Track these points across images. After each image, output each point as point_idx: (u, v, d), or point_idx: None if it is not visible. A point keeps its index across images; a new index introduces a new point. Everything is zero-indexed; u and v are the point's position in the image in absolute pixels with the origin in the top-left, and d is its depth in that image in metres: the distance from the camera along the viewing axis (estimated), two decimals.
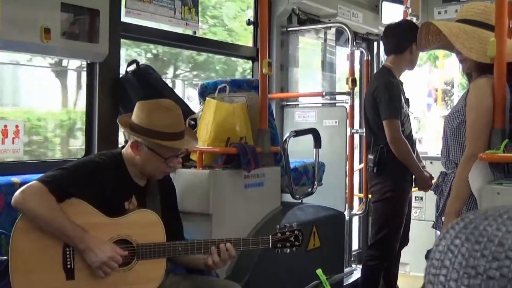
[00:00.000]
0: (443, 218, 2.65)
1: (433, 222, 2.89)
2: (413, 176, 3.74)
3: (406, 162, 3.60)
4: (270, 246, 2.48)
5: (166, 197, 2.59)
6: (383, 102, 3.61)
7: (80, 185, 2.27)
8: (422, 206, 5.20)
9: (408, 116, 3.73)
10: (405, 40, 3.66)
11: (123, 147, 2.52)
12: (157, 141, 2.34)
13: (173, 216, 2.60)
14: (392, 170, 3.66)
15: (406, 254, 4.14)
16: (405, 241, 3.91)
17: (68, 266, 2.23)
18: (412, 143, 3.75)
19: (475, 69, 2.64)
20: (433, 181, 3.52)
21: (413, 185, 3.83)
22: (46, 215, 2.16)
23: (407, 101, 3.78)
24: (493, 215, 0.47)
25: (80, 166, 2.36)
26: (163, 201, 2.54)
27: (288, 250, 2.50)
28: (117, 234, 2.30)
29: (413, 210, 5.12)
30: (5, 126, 2.69)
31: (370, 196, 4.05)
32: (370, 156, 3.82)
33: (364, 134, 4.25)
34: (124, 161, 2.44)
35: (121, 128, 2.46)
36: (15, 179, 2.53)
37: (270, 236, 2.48)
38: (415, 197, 5.10)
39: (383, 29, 5.17)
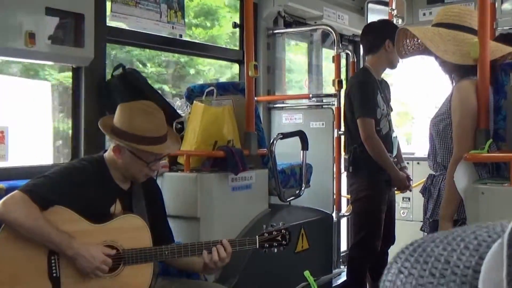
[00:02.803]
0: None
1: (421, 224, 2.91)
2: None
3: (380, 161, 3.60)
4: (258, 247, 2.48)
5: (152, 200, 2.58)
6: (356, 101, 3.63)
7: (62, 192, 2.25)
8: (410, 207, 5.23)
9: (386, 115, 3.74)
10: (378, 38, 3.69)
11: (105, 151, 2.51)
12: (138, 146, 2.33)
13: (160, 219, 2.60)
14: (367, 169, 3.67)
15: (392, 254, 4.16)
16: (390, 240, 3.92)
17: (54, 274, 2.21)
18: (390, 142, 3.76)
19: (454, 71, 2.67)
20: (414, 183, 3.53)
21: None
22: (30, 224, 2.14)
23: (386, 100, 3.79)
24: (439, 238, 0.51)
25: (60, 172, 2.34)
26: (148, 204, 2.53)
27: (276, 250, 2.50)
28: (102, 240, 2.28)
29: (400, 211, 5.14)
30: None
31: (349, 196, 4.06)
32: (345, 156, 3.83)
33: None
34: (106, 165, 2.43)
35: (103, 130, 2.43)
36: (1, 184, 2.51)
37: (257, 236, 2.48)
38: (403, 198, 5.13)
39: None
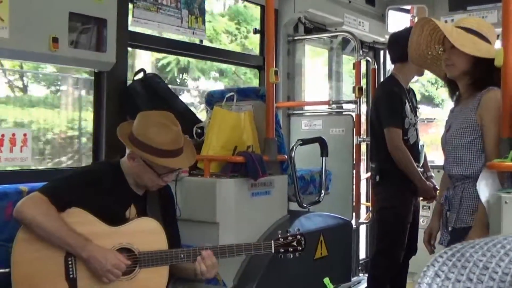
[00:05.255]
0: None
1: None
2: None
3: (406, 171, 3.58)
4: (273, 252, 2.48)
5: (166, 206, 2.60)
6: (383, 110, 3.61)
7: (79, 194, 2.28)
8: (430, 215, 5.17)
9: (414, 124, 3.71)
10: (407, 47, 3.66)
11: (121, 156, 2.53)
12: (151, 157, 2.34)
13: (171, 225, 2.61)
14: (394, 179, 3.64)
15: (413, 264, 4.11)
16: (412, 250, 3.89)
17: (71, 276, 2.23)
18: (417, 152, 3.73)
19: (464, 75, 2.64)
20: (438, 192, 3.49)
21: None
22: (47, 225, 2.16)
23: (414, 108, 3.76)
24: (479, 244, 0.52)
25: (78, 175, 2.40)
26: (162, 209, 2.55)
27: (291, 256, 2.50)
28: (118, 242, 2.30)
29: (420, 219, 5.09)
30: (13, 134, 2.71)
31: (369, 203, 4.04)
32: (372, 165, 3.81)
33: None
34: (122, 170, 2.45)
35: (119, 137, 2.44)
36: (23, 187, 2.53)
37: (273, 241, 2.49)
38: (423, 206, 5.08)
39: None
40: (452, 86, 2.80)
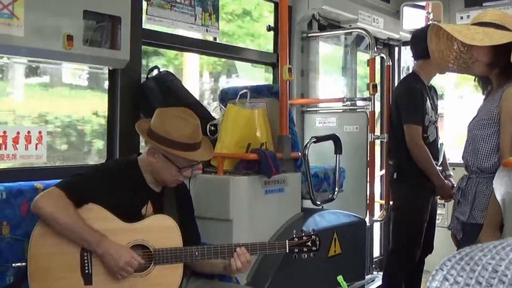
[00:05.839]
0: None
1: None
2: None
3: (425, 169, 3.55)
4: (287, 251, 2.48)
5: (183, 203, 2.60)
6: (404, 107, 3.58)
7: (96, 190, 2.30)
8: (445, 213, 5.14)
9: (434, 122, 3.68)
10: None
11: (139, 154, 2.55)
12: (172, 150, 2.35)
13: (190, 222, 2.61)
14: (412, 177, 3.62)
15: (429, 262, 4.09)
16: (428, 249, 3.86)
17: (86, 271, 2.25)
18: (437, 150, 3.70)
19: (490, 67, 2.59)
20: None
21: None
22: (64, 220, 2.18)
23: (434, 106, 3.73)
24: (488, 247, 0.52)
25: (95, 172, 2.42)
26: (179, 207, 2.55)
27: (306, 256, 2.49)
28: (133, 239, 2.31)
29: (435, 217, 5.05)
30: (29, 132, 2.73)
31: (391, 202, 4.02)
32: (391, 162, 3.79)
33: (385, 140, 4.23)
34: (139, 167, 2.46)
35: (139, 133, 2.48)
36: (38, 184, 2.55)
37: (287, 241, 2.48)
38: (438, 204, 5.04)
39: (404, 34, 5.16)
40: (484, 81, 2.76)
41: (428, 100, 3.62)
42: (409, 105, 3.57)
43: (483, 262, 0.49)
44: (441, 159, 3.78)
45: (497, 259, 0.49)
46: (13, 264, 2.32)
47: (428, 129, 3.61)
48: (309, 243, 2.49)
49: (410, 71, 4.24)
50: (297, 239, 2.49)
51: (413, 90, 3.59)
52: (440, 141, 3.79)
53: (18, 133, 2.68)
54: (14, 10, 2.55)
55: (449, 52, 2.76)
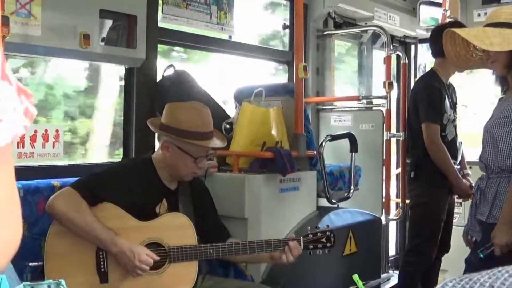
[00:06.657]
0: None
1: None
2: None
3: (442, 167, 3.53)
4: (302, 247, 2.47)
5: (200, 200, 2.60)
6: (422, 105, 3.56)
7: (110, 189, 2.31)
8: (461, 212, 5.09)
9: (453, 121, 3.65)
10: None
11: (153, 152, 2.55)
12: (185, 139, 2.36)
13: (211, 217, 2.62)
14: (429, 175, 3.59)
15: (445, 261, 4.06)
16: (445, 248, 3.83)
17: (102, 269, 2.27)
18: (455, 149, 3.67)
19: (507, 70, 2.57)
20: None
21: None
22: (78, 220, 2.20)
23: (453, 104, 3.70)
24: (486, 271, 0.58)
25: (110, 171, 2.42)
26: (196, 203, 2.56)
27: (320, 252, 2.49)
28: (148, 237, 2.32)
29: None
30: (46, 130, 2.75)
31: (407, 201, 4.00)
32: (408, 160, 3.76)
33: (402, 138, 4.21)
34: (154, 165, 2.47)
35: (151, 128, 2.48)
36: (56, 182, 2.58)
37: (302, 237, 2.48)
38: (456, 203, 5.00)
39: (420, 32, 5.12)
40: (502, 80, 2.74)
41: (446, 99, 3.60)
42: (427, 103, 3.54)
43: (480, 281, 0.55)
44: (459, 158, 3.75)
45: (494, 278, 0.54)
46: (30, 263, 2.34)
47: (447, 127, 3.59)
48: (324, 239, 2.49)
49: (427, 69, 4.21)
50: (312, 236, 2.49)
51: (431, 88, 3.57)
52: (459, 140, 3.76)
53: (35, 131, 2.70)
54: (31, 9, 2.57)
55: (466, 52, 2.73)
